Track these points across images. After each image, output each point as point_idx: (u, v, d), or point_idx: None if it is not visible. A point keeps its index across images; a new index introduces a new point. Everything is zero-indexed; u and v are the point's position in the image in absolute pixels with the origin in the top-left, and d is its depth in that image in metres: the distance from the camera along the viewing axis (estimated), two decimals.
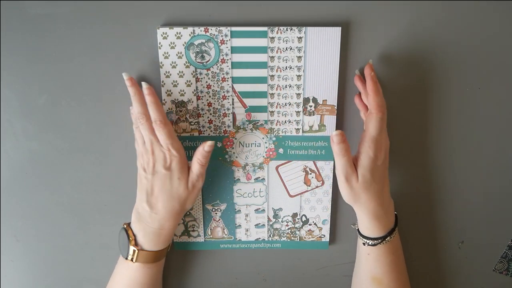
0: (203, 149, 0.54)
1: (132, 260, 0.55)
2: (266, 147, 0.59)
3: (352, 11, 0.54)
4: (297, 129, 0.58)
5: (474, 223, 0.65)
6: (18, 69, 0.56)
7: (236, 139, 0.58)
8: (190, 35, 0.53)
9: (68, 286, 0.65)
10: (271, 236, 0.63)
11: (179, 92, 0.56)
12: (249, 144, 0.59)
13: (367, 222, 0.56)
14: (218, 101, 0.56)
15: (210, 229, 0.63)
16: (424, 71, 0.57)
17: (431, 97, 0.58)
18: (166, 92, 0.56)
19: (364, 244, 0.57)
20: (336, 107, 0.57)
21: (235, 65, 0.55)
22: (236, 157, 0.59)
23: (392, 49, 0.56)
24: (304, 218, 0.62)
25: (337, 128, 0.58)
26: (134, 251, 0.54)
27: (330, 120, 0.58)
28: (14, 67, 0.56)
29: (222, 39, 0.54)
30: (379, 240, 0.56)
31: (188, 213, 0.61)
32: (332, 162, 0.59)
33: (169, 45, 0.54)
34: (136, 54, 0.55)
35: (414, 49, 0.56)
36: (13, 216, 0.62)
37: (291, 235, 0.63)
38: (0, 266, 0.64)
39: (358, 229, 0.59)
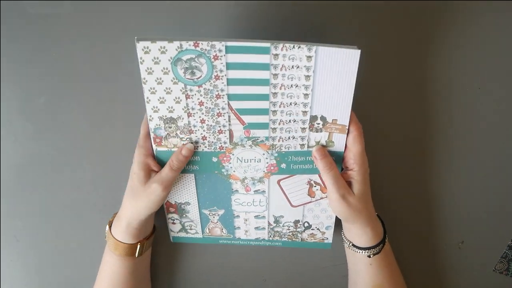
0: (180, 152, 0.45)
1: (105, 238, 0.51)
2: (267, 163, 0.48)
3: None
4: (302, 145, 0.46)
5: (474, 223, 0.58)
6: (18, 69, 0.50)
7: (233, 154, 0.47)
8: (177, 49, 0.39)
9: (68, 286, 0.60)
10: (272, 237, 0.55)
11: (167, 109, 0.43)
12: (248, 159, 0.48)
13: (369, 233, 0.48)
14: (212, 118, 0.44)
15: (208, 229, 0.54)
16: (424, 71, 0.51)
17: (431, 97, 0.52)
18: (152, 109, 0.43)
19: (369, 256, 0.49)
20: (347, 127, 0.44)
21: (231, 81, 0.42)
22: (234, 171, 0.49)
23: (392, 50, 0.50)
24: (306, 224, 0.54)
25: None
26: (106, 232, 0.51)
27: (339, 137, 0.45)
28: (14, 67, 0.50)
29: (216, 54, 0.40)
30: (382, 245, 0.49)
31: (184, 215, 0.53)
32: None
33: (153, 60, 0.40)
34: (137, 55, 0.43)
35: (414, 50, 0.50)
36: (13, 216, 0.56)
37: (293, 236, 0.55)
38: (0, 266, 0.59)
39: (353, 245, 0.50)
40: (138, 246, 0.50)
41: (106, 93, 0.50)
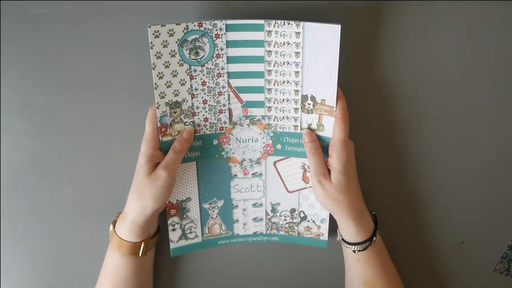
0: (181, 136, 0.48)
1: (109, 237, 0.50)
2: (264, 143, 0.51)
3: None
4: (295, 126, 0.50)
5: (474, 223, 0.58)
6: (18, 69, 0.49)
7: (232, 135, 0.50)
8: (183, 31, 0.45)
9: (68, 286, 0.57)
10: (269, 229, 0.55)
11: (173, 93, 0.47)
12: (246, 139, 0.51)
13: (352, 227, 0.48)
14: (213, 97, 0.48)
15: (208, 227, 0.54)
16: (424, 70, 0.51)
17: (431, 97, 0.52)
18: (159, 95, 0.46)
19: (354, 251, 0.49)
20: (335, 109, 0.48)
21: (230, 59, 0.47)
22: (233, 153, 0.51)
23: (391, 48, 0.50)
24: (302, 214, 0.54)
25: None
26: (110, 231, 0.50)
27: (329, 121, 0.49)
28: (14, 67, 0.49)
29: (217, 33, 0.45)
30: (368, 243, 0.49)
31: (185, 215, 0.53)
32: None
33: (162, 43, 0.44)
34: (137, 54, 0.47)
35: (413, 49, 0.50)
36: (13, 216, 0.54)
37: (289, 229, 0.55)
38: (0, 266, 0.56)
39: (342, 239, 0.51)
40: (142, 245, 0.49)
41: (106, 93, 0.51)
